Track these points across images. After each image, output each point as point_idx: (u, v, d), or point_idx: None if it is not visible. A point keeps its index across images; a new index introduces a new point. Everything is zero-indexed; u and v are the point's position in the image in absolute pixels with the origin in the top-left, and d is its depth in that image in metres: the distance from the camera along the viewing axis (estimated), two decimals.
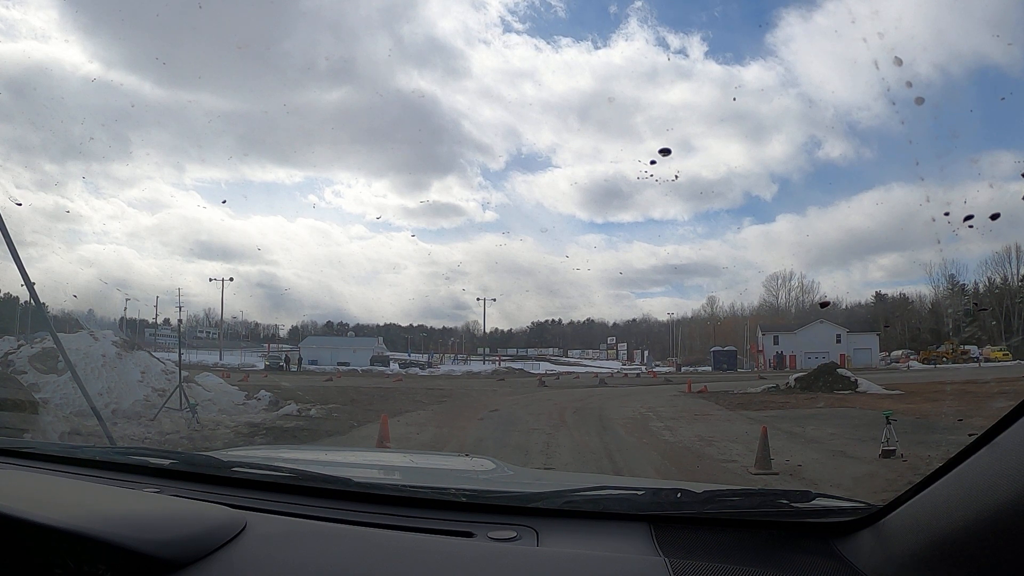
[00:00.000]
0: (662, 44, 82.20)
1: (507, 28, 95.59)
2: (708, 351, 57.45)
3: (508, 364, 54.36)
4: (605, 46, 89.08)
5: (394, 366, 51.84)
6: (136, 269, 69.66)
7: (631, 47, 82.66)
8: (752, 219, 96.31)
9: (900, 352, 51.76)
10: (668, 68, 79.60)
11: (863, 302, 69.55)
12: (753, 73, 78.31)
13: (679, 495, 1.38)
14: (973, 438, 0.92)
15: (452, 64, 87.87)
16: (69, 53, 65.52)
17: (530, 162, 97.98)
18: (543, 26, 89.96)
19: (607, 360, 67.21)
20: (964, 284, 53.53)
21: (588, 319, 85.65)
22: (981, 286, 57.51)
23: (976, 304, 50.96)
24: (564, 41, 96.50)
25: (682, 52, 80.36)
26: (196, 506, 1.20)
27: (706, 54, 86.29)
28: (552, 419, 13.95)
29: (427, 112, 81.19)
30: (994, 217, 2.03)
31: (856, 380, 22.05)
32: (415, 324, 79.76)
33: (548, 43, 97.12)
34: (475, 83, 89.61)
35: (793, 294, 72.33)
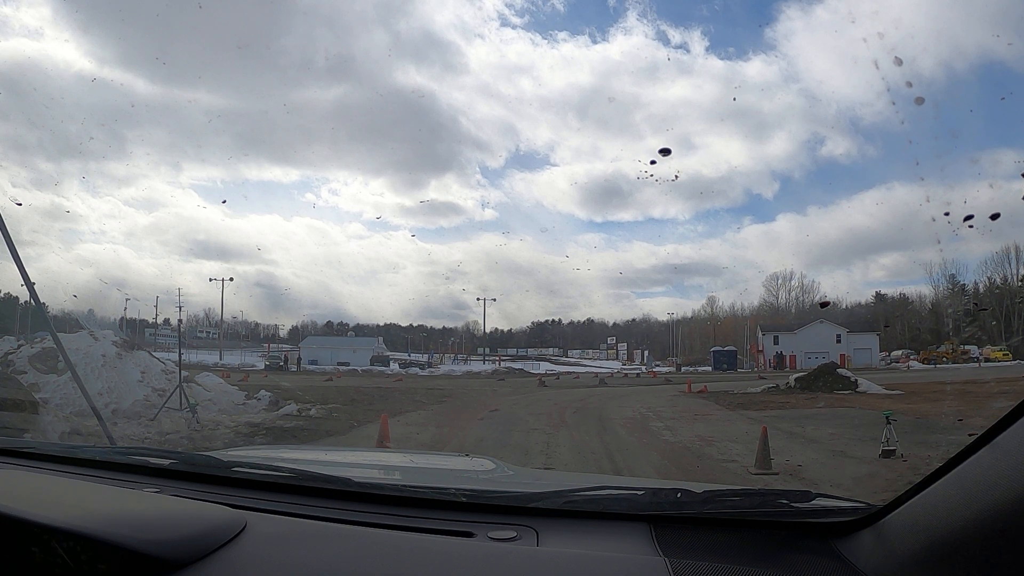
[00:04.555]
0: (662, 39, 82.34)
1: (504, 22, 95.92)
2: (708, 351, 57.48)
3: (508, 364, 54.35)
4: (604, 41, 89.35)
5: (394, 366, 51.86)
6: (134, 269, 69.85)
7: (630, 42, 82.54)
8: (753, 218, 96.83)
9: (900, 352, 51.77)
10: (668, 64, 79.64)
11: (863, 302, 69.72)
12: (755, 68, 78.49)
13: (679, 495, 1.38)
14: (973, 438, 0.92)
15: (449, 60, 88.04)
16: (64, 51, 65.73)
17: (529, 160, 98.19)
18: (541, 20, 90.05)
19: (607, 360, 67.24)
20: (964, 284, 53.64)
21: (588, 319, 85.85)
22: (981, 286, 57.63)
23: (976, 304, 51.06)
24: (561, 36, 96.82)
25: (683, 47, 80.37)
26: (196, 506, 1.19)
27: (707, 49, 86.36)
28: (552, 419, 13.95)
29: (425, 109, 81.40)
30: (994, 217, 2.03)
31: (856, 380, 22.06)
32: (415, 324, 79.97)
33: (545, 38, 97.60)
34: (473, 79, 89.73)
35: (793, 294, 72.49)
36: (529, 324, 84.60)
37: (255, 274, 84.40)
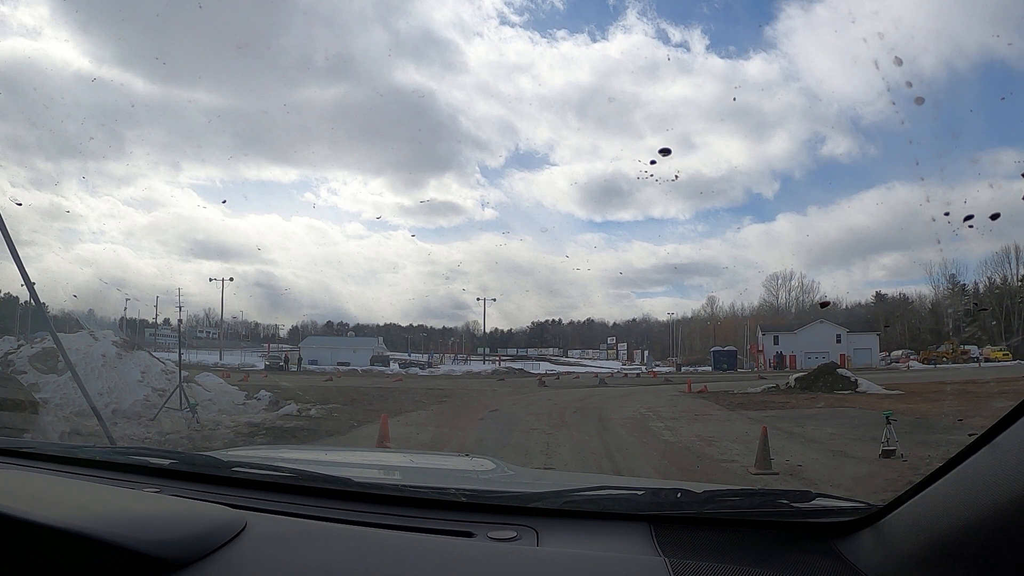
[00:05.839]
0: (662, 38, 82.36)
1: (503, 21, 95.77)
2: (708, 351, 57.49)
3: (508, 364, 54.37)
4: (603, 39, 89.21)
5: (394, 366, 51.86)
6: (134, 268, 69.92)
7: (630, 41, 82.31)
8: (753, 218, 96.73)
9: (900, 352, 51.81)
10: (668, 63, 79.59)
11: (863, 302, 69.77)
12: (755, 67, 78.49)
13: (679, 495, 1.38)
14: (973, 438, 0.92)
15: (448, 59, 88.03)
16: (63, 51, 65.66)
17: (528, 160, 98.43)
18: (540, 19, 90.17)
19: (607, 360, 67.24)
20: (964, 284, 53.61)
21: (588, 319, 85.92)
22: (981, 286, 57.68)
23: (976, 304, 50.99)
24: (560, 34, 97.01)
25: (683, 46, 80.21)
26: (196, 506, 1.19)
27: (707, 48, 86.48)
28: (552, 419, 13.95)
29: (424, 108, 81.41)
30: (994, 217, 2.02)
31: (856, 380, 22.06)
32: (415, 324, 80.00)
33: (545, 36, 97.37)
34: (472, 78, 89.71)
35: (793, 294, 72.56)
36: (529, 324, 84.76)
37: (255, 274, 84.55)
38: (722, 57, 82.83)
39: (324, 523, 1.22)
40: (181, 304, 55.51)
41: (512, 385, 30.25)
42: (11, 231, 3.49)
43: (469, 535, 1.21)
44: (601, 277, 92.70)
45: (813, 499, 1.30)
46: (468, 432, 12.09)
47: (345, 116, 79.87)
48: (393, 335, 74.28)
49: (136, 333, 44.20)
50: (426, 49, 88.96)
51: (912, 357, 48.70)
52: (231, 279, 64.97)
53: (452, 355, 69.39)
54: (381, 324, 77.92)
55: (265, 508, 1.29)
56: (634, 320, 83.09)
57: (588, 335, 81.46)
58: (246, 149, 74.45)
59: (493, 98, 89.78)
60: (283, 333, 78.65)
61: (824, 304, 74.93)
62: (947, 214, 2.26)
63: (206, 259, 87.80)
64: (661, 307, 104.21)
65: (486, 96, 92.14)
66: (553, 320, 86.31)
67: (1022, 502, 0.80)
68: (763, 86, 72.62)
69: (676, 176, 64.11)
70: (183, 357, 16.43)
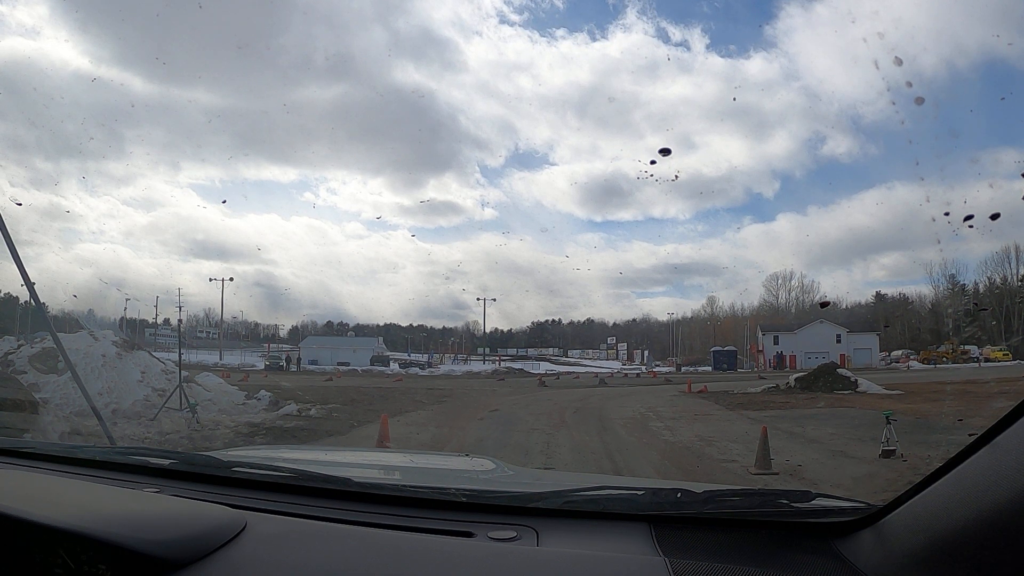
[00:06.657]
0: (662, 37, 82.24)
1: (502, 19, 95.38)
2: (708, 351, 57.48)
3: (508, 364, 54.33)
4: (603, 38, 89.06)
5: (394, 366, 51.83)
6: (133, 268, 69.85)
7: (630, 40, 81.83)
8: (753, 218, 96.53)
9: (900, 352, 51.78)
10: (668, 62, 79.43)
11: (863, 302, 69.75)
12: (756, 66, 78.34)
13: (679, 495, 1.38)
14: (973, 438, 0.92)
15: (448, 58, 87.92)
16: (62, 50, 65.56)
17: (528, 159, 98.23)
18: (539, 17, 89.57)
19: (607, 360, 67.24)
20: (964, 284, 53.64)
21: (588, 319, 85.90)
22: (981, 286, 57.68)
23: (976, 304, 51.03)
24: (560, 33, 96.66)
25: (683, 45, 79.91)
26: (196, 506, 1.20)
27: (707, 47, 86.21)
28: (552, 419, 13.95)
29: (424, 108, 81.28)
30: (994, 217, 2.02)
31: (856, 380, 22.04)
32: (415, 324, 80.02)
33: (544, 36, 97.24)
34: (471, 77, 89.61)
35: (793, 294, 72.50)
36: (529, 324, 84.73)
37: (255, 274, 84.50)
38: (722, 56, 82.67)
39: (324, 523, 1.22)
40: (181, 304, 55.45)
41: (512, 385, 30.25)
42: (11, 231, 3.49)
43: (469, 535, 1.21)
44: (601, 277, 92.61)
45: (813, 499, 1.30)
46: (468, 432, 12.09)
47: (345, 116, 79.73)
48: (393, 335, 74.34)
49: (136, 333, 44.19)
50: (425, 48, 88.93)
51: (912, 357, 48.69)
52: (231, 279, 64.92)
53: (452, 355, 69.37)
54: (381, 324, 78.11)
55: (265, 508, 1.29)
56: (634, 320, 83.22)
57: (588, 335, 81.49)
58: (246, 149, 74.35)
59: (493, 97, 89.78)
60: (283, 333, 78.80)
61: (824, 304, 75.02)
62: (947, 214, 2.26)
63: (206, 259, 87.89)
64: (661, 307, 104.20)
65: (486, 95, 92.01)
66: (553, 320, 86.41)
67: (1022, 502, 0.80)
68: (763, 85, 72.58)
69: (676, 176, 64.18)
70: (183, 357, 16.44)
